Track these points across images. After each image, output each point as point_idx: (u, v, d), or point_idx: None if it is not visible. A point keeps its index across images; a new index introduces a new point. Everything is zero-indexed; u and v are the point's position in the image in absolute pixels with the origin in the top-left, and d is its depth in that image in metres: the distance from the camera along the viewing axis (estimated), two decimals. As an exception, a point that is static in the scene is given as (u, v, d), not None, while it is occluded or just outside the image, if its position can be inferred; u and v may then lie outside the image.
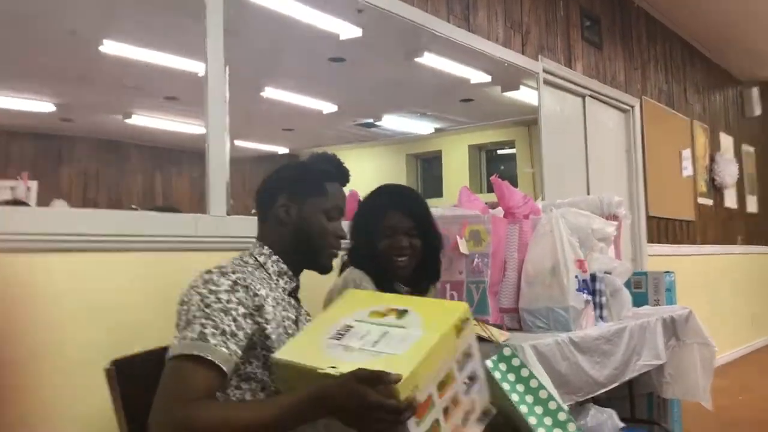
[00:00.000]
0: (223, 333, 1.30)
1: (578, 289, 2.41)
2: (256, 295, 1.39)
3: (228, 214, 2.18)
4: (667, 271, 3.51)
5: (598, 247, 2.82)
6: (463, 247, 2.38)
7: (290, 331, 1.48)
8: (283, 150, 4.03)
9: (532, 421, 1.73)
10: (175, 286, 1.88)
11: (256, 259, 1.54)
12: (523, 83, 4.37)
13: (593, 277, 2.58)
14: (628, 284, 3.22)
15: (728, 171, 7.02)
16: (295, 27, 2.99)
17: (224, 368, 1.28)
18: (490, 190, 2.87)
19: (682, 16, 6.15)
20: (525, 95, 4.38)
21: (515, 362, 1.78)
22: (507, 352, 1.78)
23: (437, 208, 2.65)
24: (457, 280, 2.39)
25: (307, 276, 1.63)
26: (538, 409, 1.76)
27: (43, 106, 2.57)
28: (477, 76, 4.40)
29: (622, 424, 2.68)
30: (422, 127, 5.60)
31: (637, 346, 2.79)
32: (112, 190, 3.80)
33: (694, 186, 6.42)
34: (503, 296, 2.51)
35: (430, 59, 3.73)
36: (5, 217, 1.70)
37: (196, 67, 2.28)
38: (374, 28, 3.30)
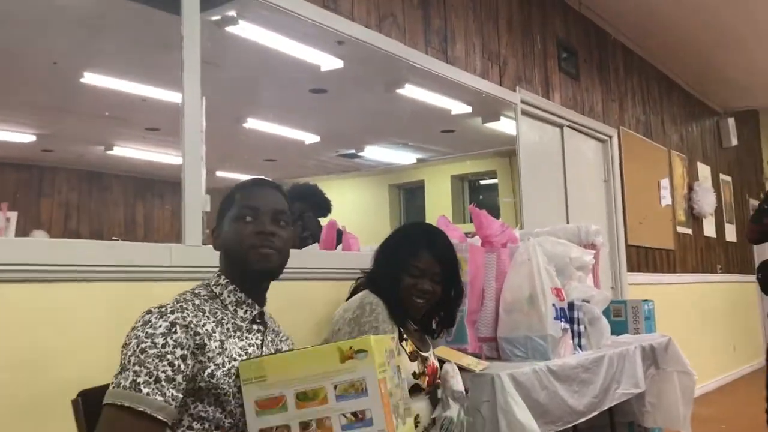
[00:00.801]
0: (158, 380, 1.28)
1: (556, 318, 2.42)
2: (197, 333, 1.36)
3: (204, 244, 2.18)
4: (646, 300, 3.54)
5: (576, 276, 2.85)
6: (442, 276, 2.39)
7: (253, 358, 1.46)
8: (264, 180, 4.04)
9: None
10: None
11: (212, 290, 1.52)
12: (503, 114, 4.43)
13: (571, 306, 2.60)
14: (607, 312, 3.25)
15: (707, 200, 7.11)
16: (276, 58, 3.02)
17: (160, 417, 1.27)
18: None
19: (659, 48, 6.28)
20: (505, 126, 4.44)
21: None
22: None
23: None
24: (435, 308, 2.40)
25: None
26: None
27: (23, 137, 2.57)
28: (457, 107, 4.45)
29: (601, 453, 2.69)
30: (404, 157, 5.64)
31: (617, 374, 2.81)
32: (94, 221, 3.78)
33: (673, 215, 6.49)
34: (481, 325, 2.52)
35: (410, 90, 3.78)
36: (-19, 248, 1.69)
37: (176, 98, 2.30)
38: (355, 60, 3.34)
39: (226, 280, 1.53)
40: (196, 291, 1.51)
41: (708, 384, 6.46)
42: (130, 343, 1.32)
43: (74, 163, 3.15)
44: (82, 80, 2.45)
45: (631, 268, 5.49)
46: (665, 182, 6.35)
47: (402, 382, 1.49)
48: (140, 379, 1.26)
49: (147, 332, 1.32)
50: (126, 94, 2.55)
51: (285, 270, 1.57)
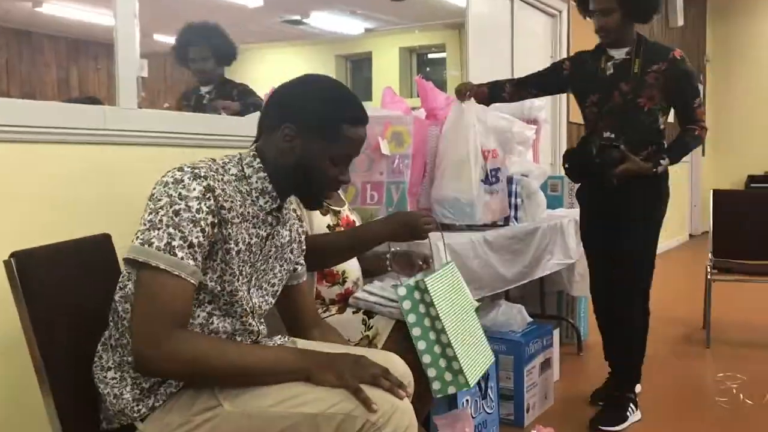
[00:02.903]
0: (191, 245, 1.28)
1: (485, 180, 2.43)
2: (222, 207, 1.34)
3: (139, 107, 2.12)
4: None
5: (517, 150, 2.90)
6: (385, 148, 2.40)
7: (254, 249, 1.44)
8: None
9: (426, 359, 1.74)
10: (81, 180, 1.86)
11: (243, 170, 1.45)
12: (454, -17, 4.31)
13: (510, 178, 2.61)
14: (544, 187, 3.34)
15: (649, 80, 7.20)
16: None
17: (192, 281, 1.29)
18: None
19: None
20: (455, -4, 4.34)
21: (426, 298, 1.75)
22: (422, 285, 1.75)
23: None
24: (377, 180, 2.43)
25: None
26: (437, 349, 1.76)
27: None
28: (407, -26, 4.31)
29: (530, 319, 2.85)
30: (352, 26, 5.48)
31: (550, 245, 2.94)
32: (25, 82, 3.62)
33: (615, 94, 6.56)
34: (422, 197, 2.56)
35: (358, -46, 3.62)
36: None
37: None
38: None
39: (260, 165, 1.45)
40: (227, 166, 1.43)
41: (635, 257, 6.81)
42: (161, 200, 1.29)
43: (0, 19, 2.96)
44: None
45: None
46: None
47: None
48: (175, 243, 1.26)
49: (180, 193, 1.30)
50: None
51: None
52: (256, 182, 1.44)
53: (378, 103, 2.85)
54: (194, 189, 1.30)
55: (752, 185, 9.01)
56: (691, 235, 9.19)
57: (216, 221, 1.33)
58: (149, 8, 2.22)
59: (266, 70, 4.99)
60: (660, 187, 2.67)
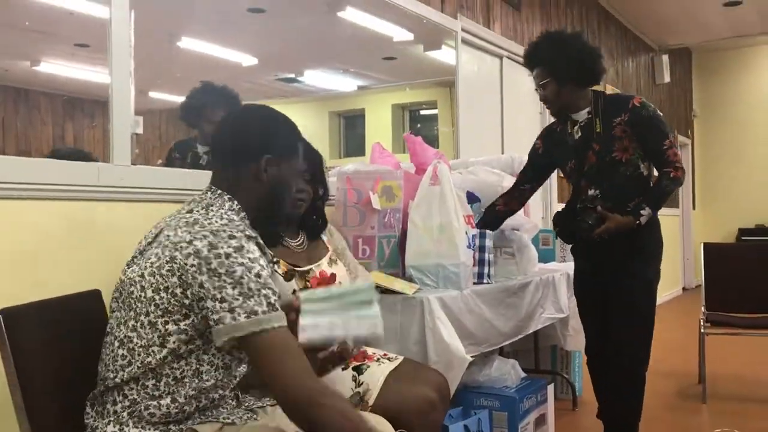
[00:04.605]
0: (278, 297, 1.33)
1: (468, 246, 2.41)
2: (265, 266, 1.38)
3: (133, 164, 2.14)
4: (574, 230, 3.65)
5: (507, 205, 2.92)
6: (376, 203, 2.42)
7: None
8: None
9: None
10: (74, 237, 1.86)
11: (236, 211, 1.45)
12: (445, 43, 4.41)
13: (483, 234, 2.58)
14: (536, 241, 3.36)
15: (638, 135, 7.29)
16: (211, -25, 2.92)
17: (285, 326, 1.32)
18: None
19: (600, -18, 6.30)
20: (446, 56, 4.43)
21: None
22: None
23: (349, 164, 2.69)
24: (368, 234, 2.44)
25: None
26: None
27: (-60, 48, 2.44)
28: (399, 34, 4.40)
29: (524, 374, 2.83)
30: (345, 84, 5.57)
31: (542, 299, 2.93)
32: (21, 140, 3.65)
33: (605, 149, 6.64)
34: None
35: (352, 14, 3.72)
36: None
37: (105, 12, 2.21)
38: (294, -21, 3.25)
39: (238, 206, 1.45)
40: (227, 215, 1.40)
41: (629, 311, 6.79)
42: (236, 270, 1.28)
43: (-2, 78, 3.00)
44: (2, -10, 2.33)
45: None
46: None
47: None
48: (272, 299, 1.30)
49: (249, 258, 1.31)
50: (50, 6, 2.43)
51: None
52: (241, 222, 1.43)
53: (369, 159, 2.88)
54: (254, 249, 1.34)
55: (743, 238, 9.06)
56: (684, 288, 9.19)
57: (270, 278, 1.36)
58: (144, 66, 2.27)
59: (260, 127, 5.06)
60: (650, 235, 2.63)
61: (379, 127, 6.31)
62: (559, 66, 2.59)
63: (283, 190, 1.50)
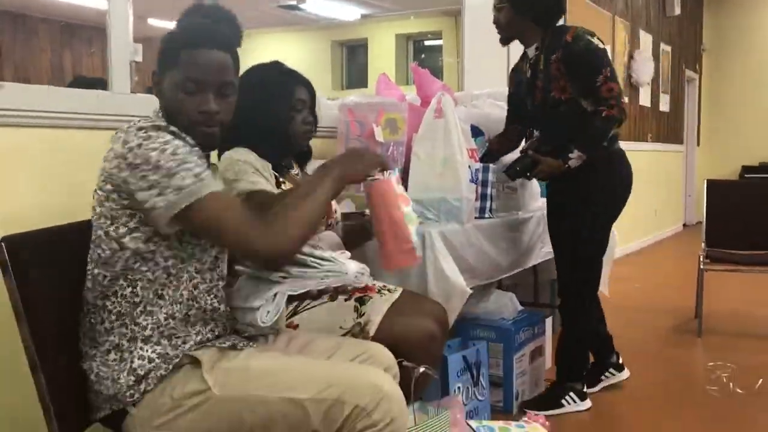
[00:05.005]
0: (205, 169, 1.35)
1: (471, 180, 2.37)
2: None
3: (132, 92, 2.11)
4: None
5: (510, 139, 2.90)
6: (379, 135, 2.40)
7: None
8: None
9: None
10: (73, 165, 1.85)
11: (169, 128, 1.41)
12: (451, -30, 4.30)
13: (486, 168, 2.54)
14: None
15: (645, 69, 7.18)
16: None
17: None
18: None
19: None
20: (452, -18, 4.32)
21: None
22: None
23: (352, 95, 2.65)
24: (371, 167, 2.42)
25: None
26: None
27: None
28: (404, -40, 4.29)
29: (521, 307, 2.86)
30: (348, 12, 5.45)
31: (542, 234, 2.94)
32: (19, 66, 3.61)
33: (611, 83, 6.54)
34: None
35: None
36: None
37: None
38: None
39: (165, 123, 1.42)
40: (159, 122, 1.40)
41: (630, 245, 6.84)
42: (151, 158, 1.29)
43: (-7, 2, 2.94)
44: None
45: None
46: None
47: None
48: (196, 170, 1.31)
49: (161, 141, 1.31)
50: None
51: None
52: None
53: (373, 90, 2.84)
54: (164, 135, 1.33)
55: (746, 176, 9.04)
56: (685, 225, 9.23)
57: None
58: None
59: (261, 57, 4.98)
60: (595, 177, 2.53)
61: (382, 58, 6.20)
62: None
63: (167, 105, 1.44)
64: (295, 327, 1.85)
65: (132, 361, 1.36)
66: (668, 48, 8.21)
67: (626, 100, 6.34)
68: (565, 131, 2.49)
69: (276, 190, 1.88)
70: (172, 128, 1.36)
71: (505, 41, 2.62)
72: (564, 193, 2.58)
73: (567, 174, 2.46)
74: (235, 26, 1.52)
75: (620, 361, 3.00)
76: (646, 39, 7.43)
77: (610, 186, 2.60)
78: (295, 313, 1.88)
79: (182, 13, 1.51)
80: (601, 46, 2.49)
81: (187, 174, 1.30)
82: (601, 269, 2.70)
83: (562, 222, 2.61)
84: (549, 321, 3.12)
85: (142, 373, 1.35)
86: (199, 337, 1.43)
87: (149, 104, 2.13)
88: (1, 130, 1.72)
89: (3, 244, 1.32)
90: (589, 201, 2.55)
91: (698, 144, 9.57)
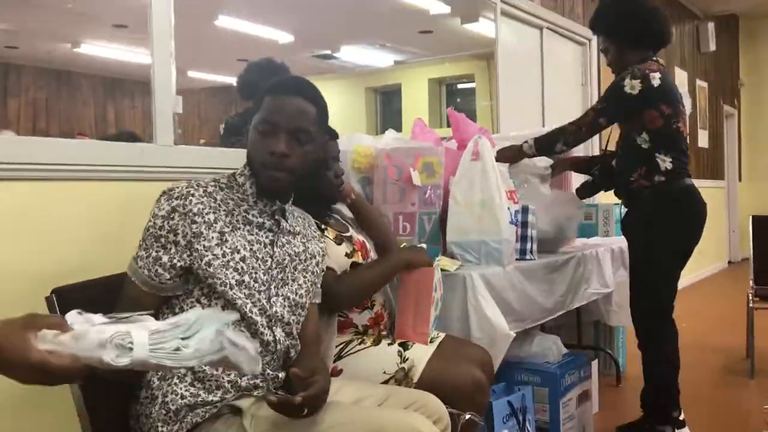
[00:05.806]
0: (149, 257, 1.38)
1: (511, 222, 2.35)
2: (194, 222, 1.37)
3: (175, 144, 2.16)
4: (617, 203, 3.59)
5: (548, 180, 2.88)
6: (416, 179, 2.40)
7: (259, 255, 1.45)
8: (238, 81, 3.95)
9: None
10: (119, 216, 1.88)
11: (235, 179, 1.48)
12: (482, 15, 4.34)
13: (525, 209, 2.52)
14: (578, 216, 3.29)
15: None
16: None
17: (145, 289, 1.38)
18: (450, 124, 2.88)
19: (642, -52, 6.11)
20: (484, 28, 4.36)
21: None
22: None
23: (387, 134, 2.67)
24: (409, 211, 2.42)
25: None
26: None
27: (-15, 31, 2.48)
28: (436, 6, 4.35)
29: (565, 350, 2.80)
30: (381, 59, 5.53)
31: (586, 274, 2.89)
32: (63, 121, 3.71)
33: (648, 120, 6.49)
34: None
35: (388, -13, 3.68)
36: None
37: (144, -8, 2.22)
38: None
39: (250, 172, 1.48)
40: (217, 178, 1.50)
41: (673, 285, 6.68)
42: (147, 222, 1.41)
43: (41, 60, 3.05)
44: (44, -28, 2.35)
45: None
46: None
47: None
48: (141, 253, 1.39)
49: (154, 212, 1.39)
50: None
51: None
52: (251, 187, 1.48)
53: (408, 134, 2.85)
54: (163, 208, 1.39)
55: (791, 210, 8.82)
56: (730, 262, 9.00)
57: (180, 240, 1.37)
58: (182, 45, 2.27)
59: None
60: (649, 206, 2.63)
61: (415, 102, 6.25)
62: (612, 29, 2.75)
63: (249, 145, 1.49)
64: (339, 372, 1.83)
65: (166, 396, 1.37)
66: (704, 84, 8.14)
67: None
68: (621, 157, 2.75)
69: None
70: (176, 203, 1.39)
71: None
72: (632, 223, 2.72)
73: (634, 203, 2.67)
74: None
75: (681, 417, 2.86)
76: (681, 76, 7.37)
77: (678, 217, 2.64)
78: (339, 357, 1.86)
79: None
80: (627, 89, 2.58)
81: (138, 251, 1.41)
82: (670, 307, 2.77)
83: (630, 248, 2.75)
84: (595, 364, 3.04)
85: (173, 408, 1.36)
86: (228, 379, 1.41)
87: (192, 155, 2.18)
88: (47, 184, 1.76)
89: (54, 296, 1.34)
90: (651, 227, 2.63)
91: (740, 180, 9.40)
